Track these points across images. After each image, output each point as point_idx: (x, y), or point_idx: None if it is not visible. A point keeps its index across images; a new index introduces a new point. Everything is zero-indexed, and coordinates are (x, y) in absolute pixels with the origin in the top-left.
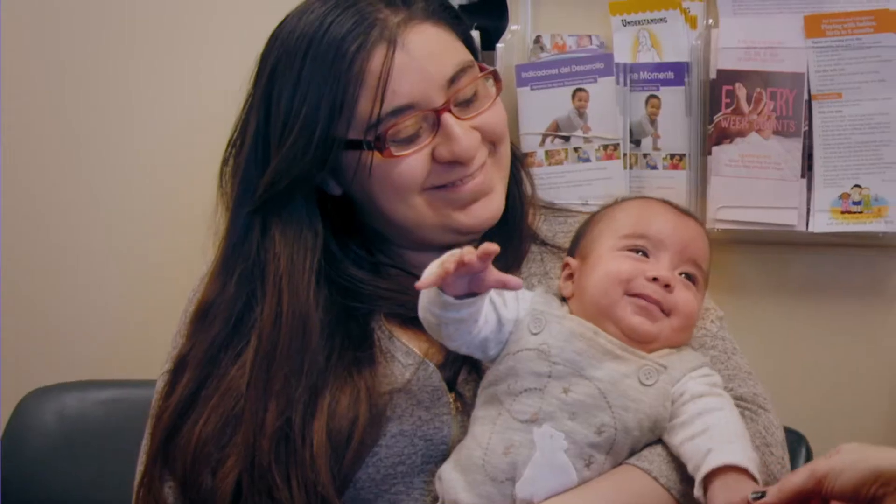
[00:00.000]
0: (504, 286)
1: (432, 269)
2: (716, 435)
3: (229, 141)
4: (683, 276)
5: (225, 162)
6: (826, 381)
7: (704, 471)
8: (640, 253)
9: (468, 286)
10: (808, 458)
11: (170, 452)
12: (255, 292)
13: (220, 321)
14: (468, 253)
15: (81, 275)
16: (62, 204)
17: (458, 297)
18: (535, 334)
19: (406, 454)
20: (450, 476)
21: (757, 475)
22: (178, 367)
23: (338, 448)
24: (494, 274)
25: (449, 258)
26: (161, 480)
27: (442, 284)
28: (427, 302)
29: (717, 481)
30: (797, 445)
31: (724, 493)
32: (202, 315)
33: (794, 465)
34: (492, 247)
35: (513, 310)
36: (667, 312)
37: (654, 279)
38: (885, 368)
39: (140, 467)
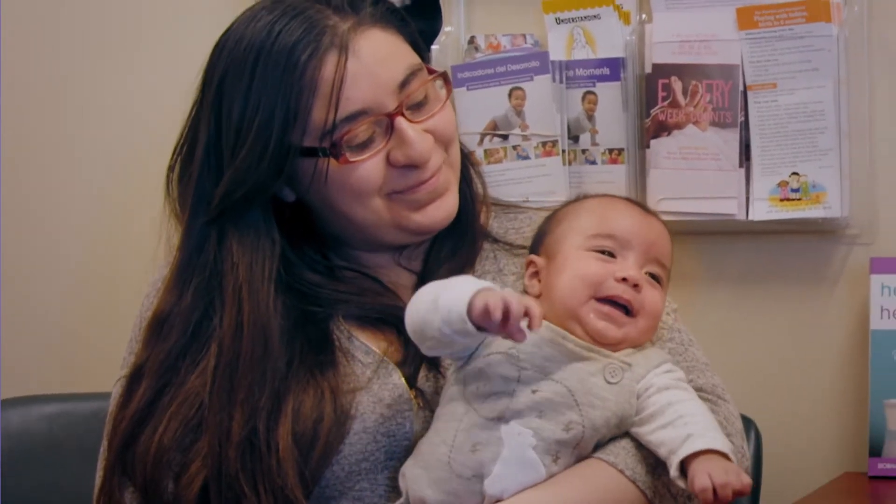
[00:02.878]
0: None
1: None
2: (691, 422)
3: (175, 147)
4: (649, 275)
5: (171, 168)
6: (771, 367)
7: (685, 452)
8: (607, 253)
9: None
10: (758, 441)
11: (128, 460)
12: (213, 302)
13: (178, 331)
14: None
15: (21, 287)
16: None
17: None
18: (505, 337)
19: (369, 451)
20: (413, 473)
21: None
22: (134, 377)
23: (304, 450)
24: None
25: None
26: (121, 489)
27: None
28: (442, 322)
29: (699, 461)
30: (747, 430)
31: (706, 466)
32: (158, 325)
33: None
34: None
35: None
36: (634, 313)
37: (623, 280)
38: (828, 351)
39: (99, 473)
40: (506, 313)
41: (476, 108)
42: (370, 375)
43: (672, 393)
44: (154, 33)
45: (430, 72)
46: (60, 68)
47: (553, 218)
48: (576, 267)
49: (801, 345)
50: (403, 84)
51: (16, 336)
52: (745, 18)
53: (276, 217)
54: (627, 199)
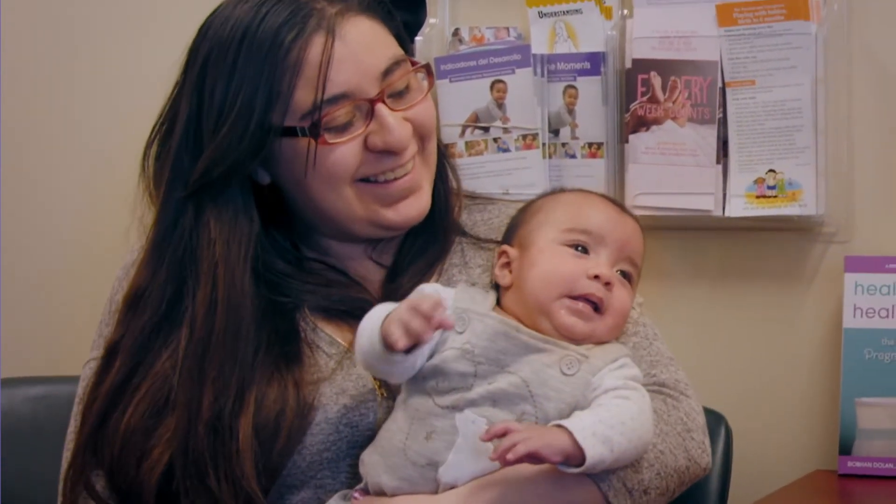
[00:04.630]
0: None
1: (397, 333)
2: (592, 409)
3: (154, 127)
4: (620, 273)
5: (148, 146)
6: (744, 362)
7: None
8: (580, 248)
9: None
10: (728, 436)
11: (98, 441)
12: (188, 279)
13: (152, 308)
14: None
15: (8, 270)
16: None
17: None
18: (460, 333)
19: (331, 441)
20: (372, 459)
21: (584, 443)
22: (109, 355)
23: (265, 442)
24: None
25: (414, 325)
26: (90, 469)
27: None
28: (374, 359)
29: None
30: (717, 425)
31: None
32: (133, 302)
33: (713, 442)
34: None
35: None
36: (602, 311)
37: (596, 277)
38: (802, 347)
39: (67, 454)
40: (409, 330)
41: (458, 100)
42: (334, 367)
43: (616, 393)
44: (146, 14)
45: (413, 64)
46: (58, 42)
47: (528, 209)
48: (549, 262)
49: (775, 341)
50: (386, 72)
51: (3, 318)
52: (725, 15)
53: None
54: (603, 196)
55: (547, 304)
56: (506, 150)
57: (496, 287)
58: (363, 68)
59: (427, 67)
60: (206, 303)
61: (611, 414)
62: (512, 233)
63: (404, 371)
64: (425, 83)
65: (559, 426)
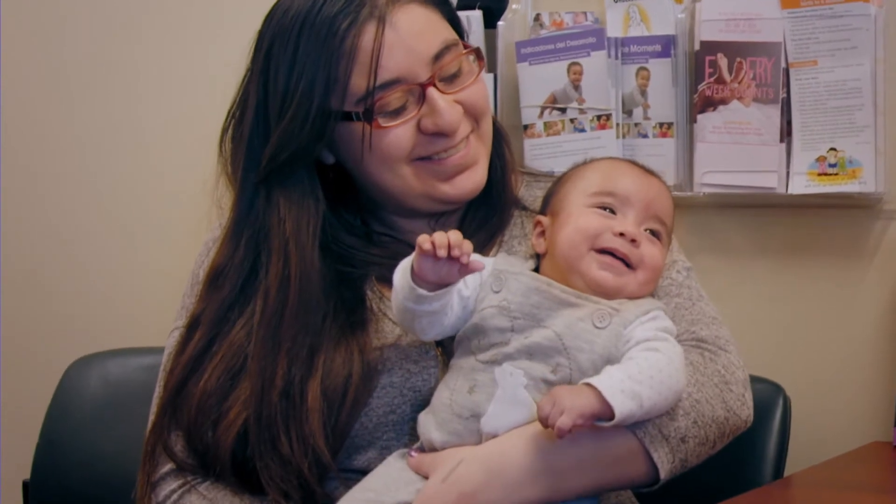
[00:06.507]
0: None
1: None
2: (622, 364)
3: (229, 112)
4: (648, 231)
5: (224, 130)
6: (805, 335)
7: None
8: (608, 210)
9: (439, 278)
10: (786, 407)
11: (178, 405)
12: (261, 256)
13: (230, 284)
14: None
15: (124, 251)
16: (97, 183)
17: (430, 290)
18: (497, 292)
19: (396, 404)
20: (424, 418)
21: (612, 401)
22: (191, 326)
23: (333, 405)
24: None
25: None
26: (169, 430)
27: (415, 277)
28: (402, 297)
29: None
30: (776, 396)
31: (559, 393)
32: (214, 279)
33: (772, 414)
34: (466, 245)
35: (473, 286)
36: (633, 266)
37: (621, 234)
38: (861, 321)
39: (151, 417)
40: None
41: (537, 82)
42: (399, 333)
43: (648, 345)
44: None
45: (466, 47)
46: (130, 29)
47: (559, 180)
48: (576, 221)
49: (835, 315)
50: (437, 57)
51: (117, 294)
52: None
53: (320, 179)
54: (629, 161)
55: (576, 260)
56: (581, 130)
57: (537, 257)
58: (414, 54)
59: (477, 51)
60: (278, 278)
61: (640, 368)
62: (546, 203)
63: (433, 319)
64: (476, 66)
65: (588, 385)
